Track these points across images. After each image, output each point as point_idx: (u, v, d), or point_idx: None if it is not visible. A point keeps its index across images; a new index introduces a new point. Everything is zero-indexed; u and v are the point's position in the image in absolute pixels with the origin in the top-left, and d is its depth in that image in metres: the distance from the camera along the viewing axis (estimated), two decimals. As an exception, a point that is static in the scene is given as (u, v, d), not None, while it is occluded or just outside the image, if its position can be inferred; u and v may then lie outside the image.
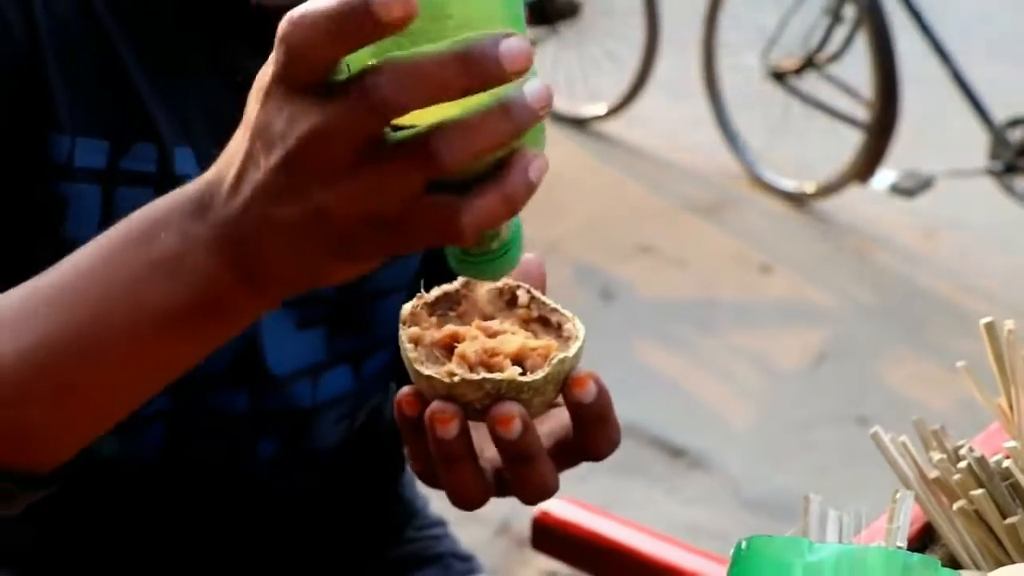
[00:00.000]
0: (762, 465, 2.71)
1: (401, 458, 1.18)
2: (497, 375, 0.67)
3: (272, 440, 1.02)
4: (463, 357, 0.69)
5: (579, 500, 1.25)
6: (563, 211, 3.54)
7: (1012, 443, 0.93)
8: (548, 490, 0.70)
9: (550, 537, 1.23)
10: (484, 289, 0.73)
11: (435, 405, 0.67)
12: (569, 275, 3.27)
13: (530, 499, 0.71)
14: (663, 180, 3.85)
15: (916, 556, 0.77)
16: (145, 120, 0.90)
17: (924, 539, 0.96)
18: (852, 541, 0.87)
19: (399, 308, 0.96)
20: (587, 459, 0.73)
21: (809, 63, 3.69)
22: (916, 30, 3.48)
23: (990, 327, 0.99)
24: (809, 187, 3.68)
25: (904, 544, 0.85)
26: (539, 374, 0.68)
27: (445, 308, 0.73)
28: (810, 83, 3.73)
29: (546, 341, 0.71)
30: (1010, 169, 3.39)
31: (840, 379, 2.99)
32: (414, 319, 0.72)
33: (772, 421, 2.86)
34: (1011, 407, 1.00)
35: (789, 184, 3.72)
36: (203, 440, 0.99)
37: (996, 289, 3.32)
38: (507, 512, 2.41)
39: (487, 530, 2.42)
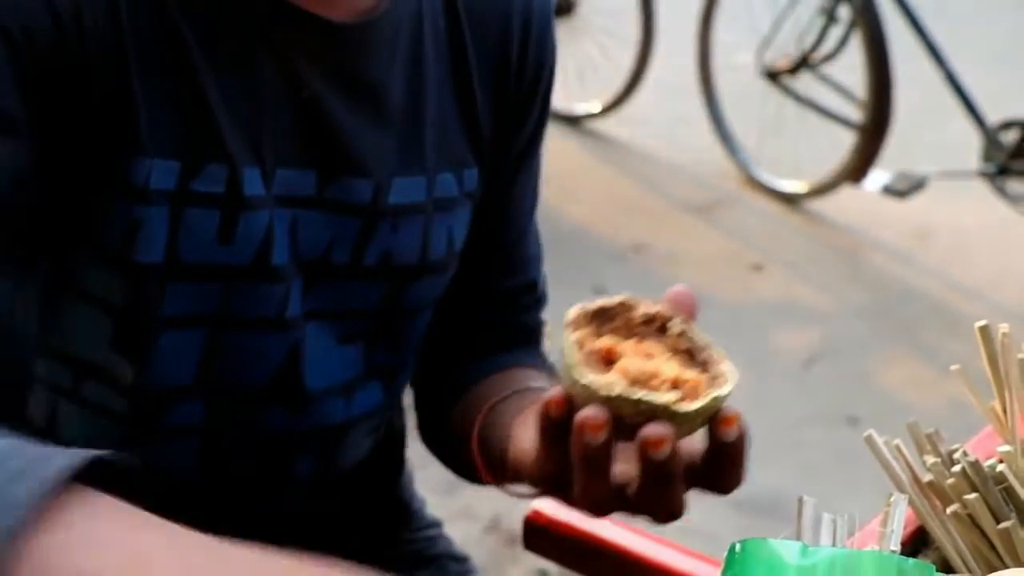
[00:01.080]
0: (752, 464, 2.69)
1: (401, 460, 1.19)
2: (655, 397, 0.70)
3: (308, 457, 1.02)
4: (624, 372, 0.71)
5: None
6: (557, 209, 3.54)
7: (1006, 447, 0.93)
8: (679, 511, 0.74)
9: (541, 536, 1.23)
10: (640, 311, 0.75)
11: (589, 410, 0.69)
12: (562, 272, 3.25)
13: (661, 518, 0.74)
14: (656, 178, 3.85)
15: (911, 561, 0.77)
16: (217, 139, 0.88)
17: (917, 543, 0.97)
18: (846, 544, 0.87)
19: (426, 323, 0.96)
20: (711, 490, 0.77)
21: (803, 63, 3.69)
22: (910, 31, 3.48)
23: (984, 330, 0.99)
24: (802, 187, 3.69)
25: (898, 548, 0.85)
26: (694, 405, 0.71)
27: (602, 321, 0.75)
28: (804, 83, 3.73)
29: (697, 376, 0.73)
30: (1002, 171, 3.40)
31: (831, 379, 3.00)
32: (577, 324, 0.74)
33: (763, 420, 2.85)
34: (1004, 411, 1.00)
35: (782, 184, 3.73)
36: (238, 456, 0.99)
37: (987, 291, 3.33)
38: (497, 510, 2.41)
39: (477, 527, 2.42)
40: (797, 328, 3.20)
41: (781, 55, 3.74)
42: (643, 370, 0.71)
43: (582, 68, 4.04)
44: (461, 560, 1.22)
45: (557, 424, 0.71)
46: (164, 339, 0.92)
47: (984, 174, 3.43)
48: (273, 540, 1.04)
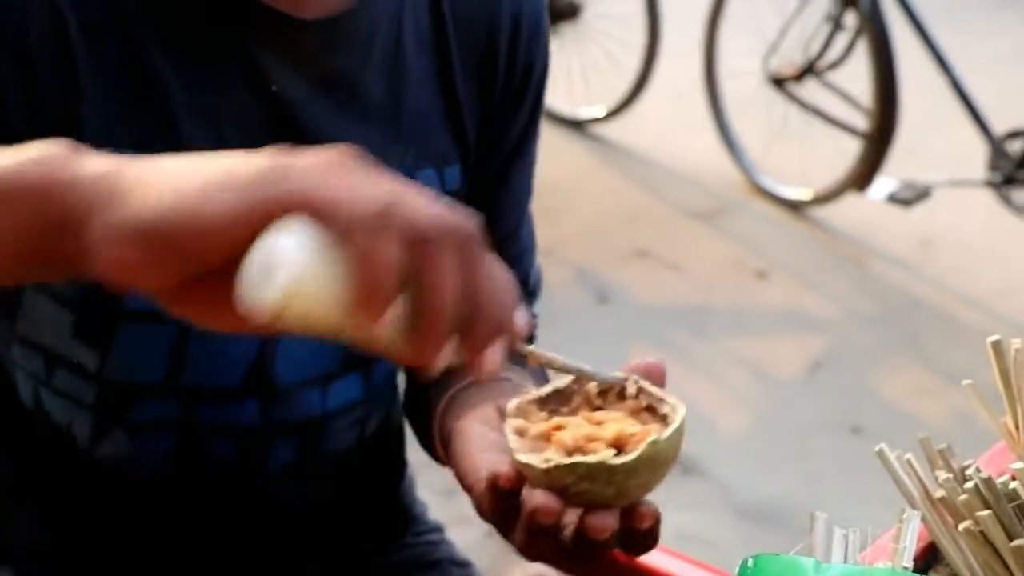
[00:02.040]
0: (756, 472, 2.71)
1: (403, 464, 1.19)
2: (589, 458, 0.71)
3: (285, 448, 1.02)
4: (560, 443, 0.72)
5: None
6: (561, 213, 3.54)
7: (1019, 464, 0.92)
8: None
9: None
10: (594, 384, 0.76)
11: (541, 499, 0.71)
12: (566, 278, 3.26)
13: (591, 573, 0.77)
14: (661, 184, 3.85)
15: (924, 579, 0.77)
16: (176, 132, 0.89)
17: (928, 559, 0.96)
18: (857, 560, 0.87)
19: None
20: (623, 551, 0.80)
21: (809, 70, 3.68)
22: (916, 39, 3.48)
23: (997, 345, 0.99)
24: (807, 194, 3.68)
25: (911, 565, 0.85)
26: (631, 456, 0.71)
27: (556, 404, 0.76)
28: (810, 90, 3.72)
29: (645, 426, 0.73)
30: (1008, 181, 3.39)
31: (835, 387, 2.99)
32: (520, 412, 0.74)
33: (767, 428, 2.86)
34: (1017, 427, 0.99)
35: (787, 191, 3.72)
36: (214, 449, 0.99)
37: (993, 300, 3.32)
38: (500, 515, 2.40)
39: (478, 532, 2.41)
40: (801, 336, 3.19)
41: (787, 62, 3.73)
42: (577, 436, 0.72)
43: (587, 72, 4.04)
44: (463, 565, 1.22)
45: (507, 495, 0.73)
46: (127, 332, 0.93)
47: (990, 183, 3.42)
48: (248, 535, 1.05)
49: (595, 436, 0.73)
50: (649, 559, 1.22)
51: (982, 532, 0.89)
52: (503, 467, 0.74)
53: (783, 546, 0.85)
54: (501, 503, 0.74)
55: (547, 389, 0.76)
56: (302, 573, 1.10)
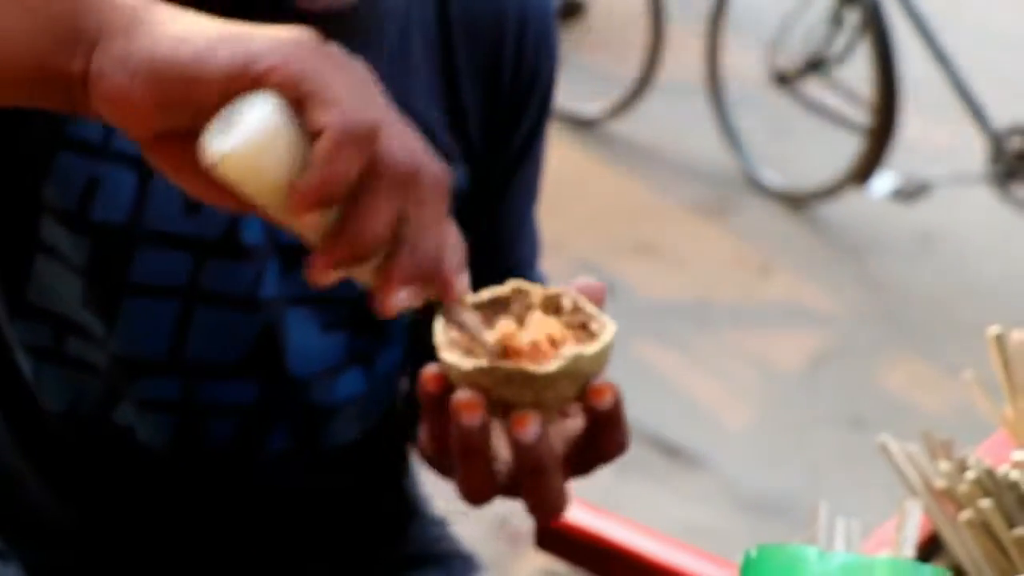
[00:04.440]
0: (759, 465, 2.71)
1: (407, 457, 1.18)
2: (509, 364, 0.68)
3: (284, 435, 1.02)
4: (484, 346, 0.69)
5: (578, 498, 1.25)
6: (564, 209, 3.53)
7: (1020, 454, 0.93)
8: (558, 505, 0.71)
9: (553, 536, 1.23)
10: (537, 295, 0.74)
11: (462, 393, 0.68)
12: (569, 273, 3.25)
13: (539, 512, 0.71)
14: (663, 180, 3.84)
15: (926, 567, 0.77)
16: None
17: (930, 549, 0.96)
18: (859, 549, 0.88)
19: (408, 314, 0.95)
20: (597, 463, 0.74)
21: (811, 67, 3.68)
22: (918, 36, 3.48)
23: (999, 338, 1.00)
24: (809, 190, 3.68)
25: (912, 554, 0.85)
26: (551, 366, 0.68)
27: (496, 310, 0.73)
28: (812, 87, 3.72)
29: (566, 334, 0.71)
30: (1008, 175, 3.39)
31: (837, 381, 2.99)
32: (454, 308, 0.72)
33: (769, 422, 2.86)
34: (1017, 417, 1.00)
35: (789, 186, 3.72)
36: (212, 430, 0.99)
37: (993, 294, 3.32)
38: (505, 509, 2.41)
39: (484, 527, 2.42)
40: (803, 330, 3.19)
41: (789, 59, 3.73)
42: (500, 339, 0.69)
43: (591, 70, 4.03)
44: (467, 558, 1.21)
45: (436, 400, 0.70)
46: (132, 304, 0.93)
47: (990, 178, 3.43)
48: (250, 523, 1.06)
49: (513, 338, 0.70)
50: (654, 551, 1.23)
51: (983, 522, 0.90)
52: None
53: (786, 538, 0.86)
54: (431, 416, 0.71)
55: (486, 295, 0.73)
56: (304, 565, 1.10)
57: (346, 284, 0.99)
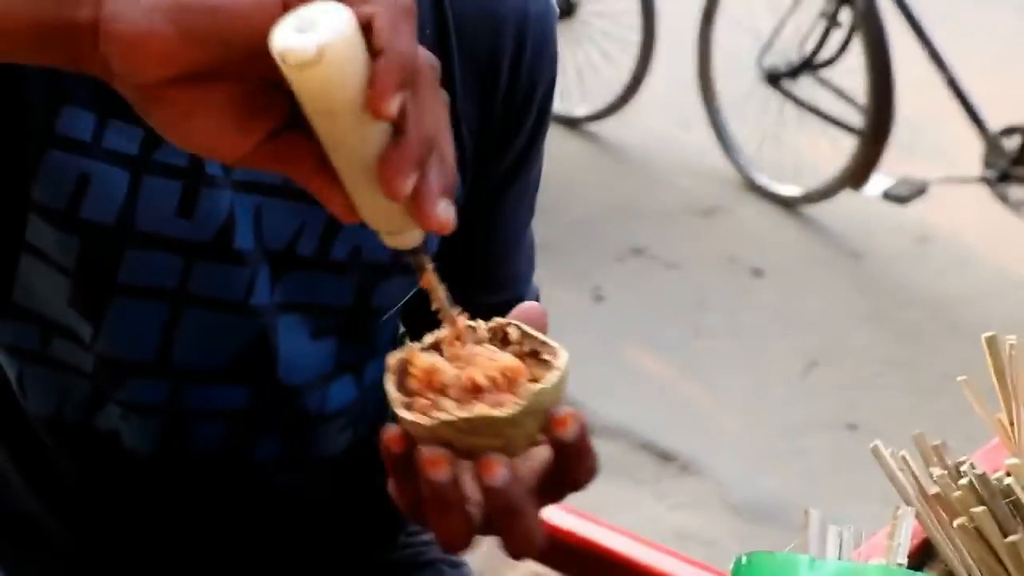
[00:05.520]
0: (751, 470, 2.71)
1: None
2: (471, 412, 0.67)
3: (273, 442, 1.02)
4: (442, 392, 0.68)
5: (569, 505, 1.25)
6: (555, 211, 3.53)
7: (1013, 460, 0.93)
8: (532, 542, 0.70)
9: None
10: (481, 329, 0.73)
11: (426, 450, 0.68)
12: (560, 276, 3.26)
13: (515, 552, 0.71)
14: (656, 182, 3.85)
15: (919, 575, 0.77)
16: None
17: (923, 556, 0.96)
18: (852, 556, 0.87)
19: (396, 323, 0.94)
20: (568, 491, 0.73)
21: (804, 67, 3.68)
22: (912, 35, 3.48)
23: (992, 341, 0.99)
24: (802, 192, 3.68)
25: (904, 561, 0.85)
26: (514, 408, 0.67)
27: (438, 353, 0.72)
28: (805, 87, 3.72)
29: (515, 362, 0.70)
30: (1004, 177, 3.39)
31: (831, 385, 2.99)
32: (402, 365, 0.71)
33: (762, 426, 2.86)
34: (1012, 423, 1.00)
35: (782, 188, 3.72)
36: (200, 435, 0.99)
37: (989, 297, 3.32)
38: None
39: (474, 532, 2.41)
40: (797, 334, 3.19)
41: (782, 59, 3.73)
42: (463, 384, 0.68)
43: (582, 70, 4.03)
44: (457, 565, 1.21)
45: (402, 460, 0.70)
46: (120, 306, 0.92)
47: (985, 180, 3.42)
48: (238, 529, 1.05)
49: (474, 381, 0.69)
50: (644, 557, 1.22)
51: (977, 528, 0.89)
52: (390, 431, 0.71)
53: (779, 544, 0.85)
54: (399, 474, 0.71)
55: (428, 340, 0.72)
56: (292, 573, 1.10)
57: (336, 292, 0.98)
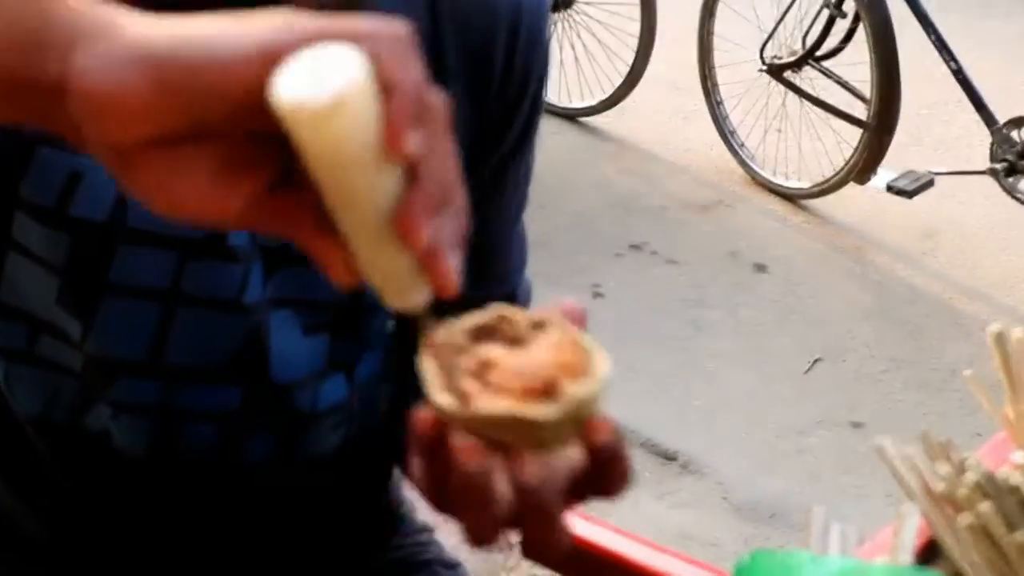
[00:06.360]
0: (754, 470, 2.71)
1: (390, 464, 1.18)
2: (511, 410, 0.65)
3: (265, 441, 1.01)
4: (485, 380, 0.67)
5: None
6: (554, 206, 3.53)
7: (1020, 456, 0.92)
8: (558, 547, 0.69)
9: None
10: (522, 320, 0.71)
11: (460, 438, 0.66)
12: (558, 272, 3.25)
13: (538, 552, 0.70)
14: (656, 176, 3.85)
15: (925, 573, 0.76)
16: None
17: (928, 553, 0.95)
18: (854, 554, 0.86)
19: (386, 320, 0.92)
20: (599, 496, 0.72)
21: (808, 58, 3.68)
22: (918, 25, 3.46)
23: (999, 336, 0.99)
24: (806, 186, 3.68)
25: (909, 559, 0.84)
26: (556, 412, 0.65)
27: (481, 337, 0.70)
28: (808, 79, 3.72)
29: (565, 361, 0.68)
30: (1012, 170, 3.39)
31: (835, 382, 2.98)
32: (445, 348, 0.69)
33: (765, 424, 2.86)
34: (1018, 416, 0.99)
35: (785, 182, 3.72)
36: (192, 435, 0.98)
37: (995, 291, 3.31)
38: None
39: (472, 532, 2.40)
40: (800, 330, 3.18)
41: (785, 50, 3.72)
42: (511, 375, 0.66)
43: (581, 63, 4.03)
44: (453, 566, 1.21)
45: (430, 443, 0.68)
46: (111, 305, 0.92)
47: (993, 172, 3.41)
48: (231, 529, 1.03)
49: (527, 378, 0.67)
50: (645, 558, 1.21)
51: (983, 526, 0.89)
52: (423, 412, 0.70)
53: (782, 544, 0.84)
54: (427, 458, 0.69)
55: (473, 321, 0.70)
56: (286, 573, 1.09)
57: (328, 287, 0.96)
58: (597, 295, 3.26)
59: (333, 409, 1.02)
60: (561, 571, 1.27)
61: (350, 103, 0.54)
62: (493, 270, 1.08)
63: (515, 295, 1.10)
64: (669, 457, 2.71)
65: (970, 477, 0.89)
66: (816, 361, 3.04)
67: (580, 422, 0.67)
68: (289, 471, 1.03)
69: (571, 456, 0.70)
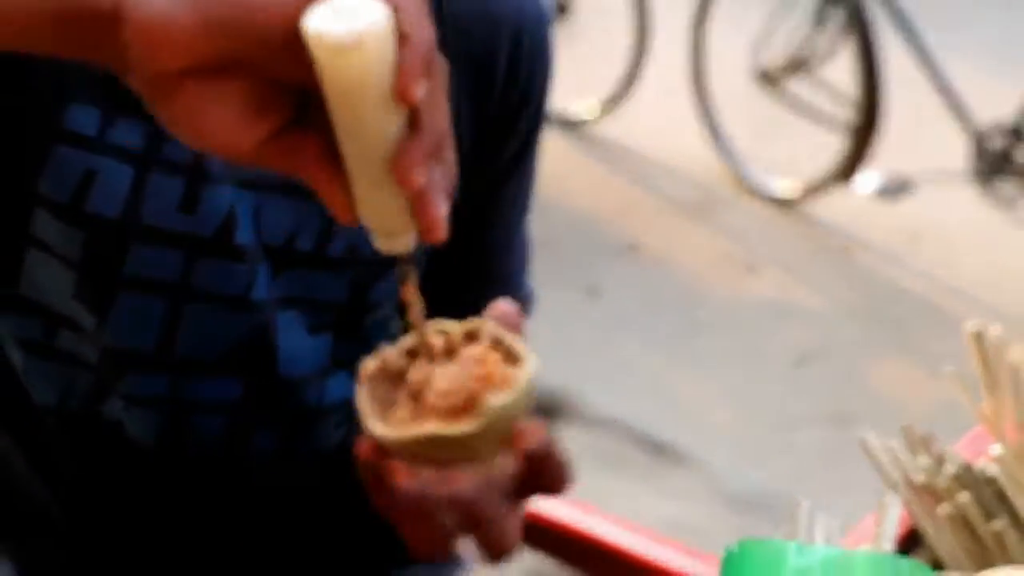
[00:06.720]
0: (744, 463, 2.71)
1: None
2: (429, 430, 0.68)
3: (271, 436, 1.02)
4: (419, 401, 0.70)
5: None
6: (551, 208, 3.52)
7: (997, 449, 0.94)
8: (505, 547, 0.71)
9: (536, 532, 1.23)
10: (458, 332, 0.73)
11: (396, 461, 0.69)
12: (555, 272, 3.26)
13: (489, 553, 0.72)
14: (650, 179, 3.84)
15: (905, 560, 0.78)
16: None
17: (909, 543, 0.96)
18: (839, 544, 0.88)
19: (391, 320, 0.94)
20: (541, 494, 0.75)
21: (796, 65, 3.69)
22: (901, 34, 3.49)
23: (976, 332, 1.00)
24: (794, 188, 3.68)
25: (892, 548, 0.86)
26: (471, 427, 0.68)
27: (418, 357, 0.73)
28: (796, 85, 3.72)
29: (484, 373, 0.70)
30: (992, 173, 3.40)
31: (823, 379, 2.99)
32: (380, 373, 0.72)
33: (755, 419, 2.86)
34: (996, 412, 1.01)
35: (775, 185, 3.72)
36: (198, 426, 0.99)
37: (978, 291, 3.32)
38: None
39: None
40: (789, 328, 3.19)
41: (773, 58, 3.73)
42: (440, 392, 0.69)
43: (577, 69, 4.03)
44: (452, 556, 1.17)
45: (373, 468, 0.71)
46: (124, 299, 0.93)
47: (974, 175, 3.43)
48: (236, 523, 1.05)
49: (448, 392, 0.70)
50: (638, 546, 1.23)
51: (962, 516, 0.90)
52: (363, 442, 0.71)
53: (770, 534, 0.87)
54: (372, 482, 0.71)
55: (408, 342, 0.73)
56: (290, 563, 1.10)
57: (332, 288, 0.98)
58: (594, 294, 3.27)
59: (337, 406, 1.02)
60: (555, 558, 1.28)
61: (370, 42, 0.59)
62: (498, 273, 1.09)
63: (517, 298, 1.07)
64: (662, 450, 2.72)
65: (949, 469, 0.90)
66: (804, 358, 3.06)
67: (507, 430, 0.69)
68: (293, 466, 1.03)
69: (504, 464, 0.72)
